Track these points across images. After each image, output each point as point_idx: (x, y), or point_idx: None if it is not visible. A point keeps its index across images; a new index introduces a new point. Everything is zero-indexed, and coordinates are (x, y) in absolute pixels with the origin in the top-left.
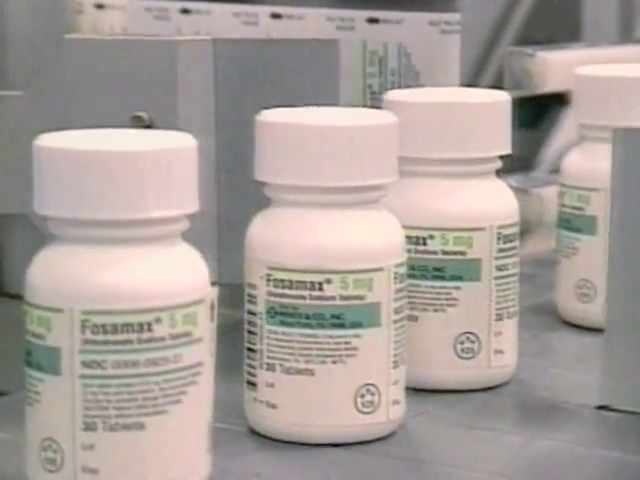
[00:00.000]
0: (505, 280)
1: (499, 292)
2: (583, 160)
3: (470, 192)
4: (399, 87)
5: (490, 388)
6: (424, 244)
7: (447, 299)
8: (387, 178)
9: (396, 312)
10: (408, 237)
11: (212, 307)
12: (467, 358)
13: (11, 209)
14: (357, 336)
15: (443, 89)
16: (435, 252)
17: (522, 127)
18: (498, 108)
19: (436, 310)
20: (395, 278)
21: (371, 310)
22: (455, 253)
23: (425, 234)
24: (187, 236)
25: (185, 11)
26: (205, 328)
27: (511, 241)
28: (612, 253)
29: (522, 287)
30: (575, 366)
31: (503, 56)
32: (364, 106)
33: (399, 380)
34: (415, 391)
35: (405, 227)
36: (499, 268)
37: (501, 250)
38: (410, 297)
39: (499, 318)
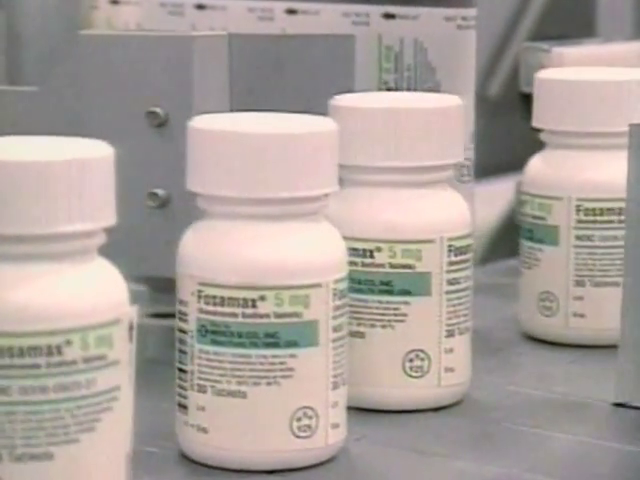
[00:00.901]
0: (456, 295)
1: (450, 307)
2: (545, 167)
3: (420, 202)
4: (415, 83)
5: (441, 408)
6: (371, 257)
7: (395, 315)
8: (325, 189)
9: (335, 330)
10: (354, 249)
11: (131, 328)
12: (416, 377)
13: None
14: (293, 356)
15: (394, 94)
16: (382, 265)
17: None
18: (450, 114)
19: (384, 326)
20: (334, 294)
21: (308, 328)
22: (403, 266)
23: (372, 246)
24: None
25: (200, 7)
26: (122, 350)
27: (463, 253)
28: (628, 245)
29: (489, 298)
30: (533, 384)
31: (518, 52)
32: None
33: (339, 402)
34: (361, 411)
35: (351, 239)
36: (450, 282)
37: (452, 263)
38: (357, 313)
39: (450, 334)
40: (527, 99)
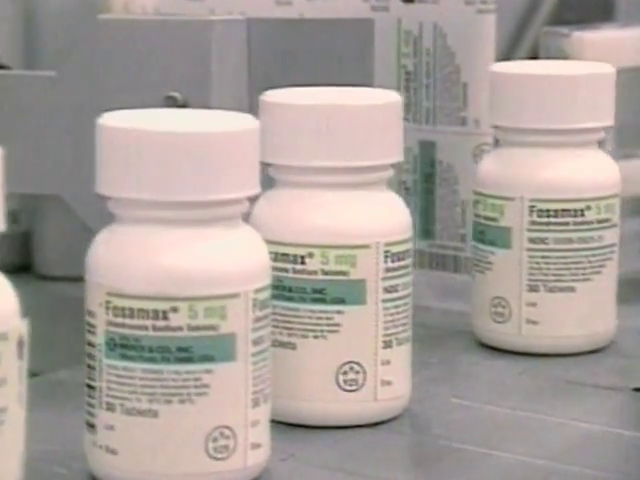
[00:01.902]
0: (394, 303)
1: (387, 316)
2: (497, 166)
3: (355, 205)
4: (434, 67)
5: (377, 424)
6: (302, 263)
7: (328, 325)
8: (244, 191)
9: (255, 344)
10: (285, 255)
11: (20, 344)
12: (351, 390)
13: (43, 190)
14: (208, 372)
15: (327, 89)
16: (315, 272)
17: None
18: (387, 111)
19: (316, 337)
20: (254, 305)
21: (224, 342)
22: (337, 273)
23: (303, 252)
24: None
25: None
26: (9, 368)
27: (401, 259)
28: None
29: None
30: (480, 396)
31: (537, 36)
32: (397, 88)
33: (260, 420)
34: (290, 428)
35: (281, 244)
36: (387, 290)
37: (389, 270)
38: (287, 322)
39: (387, 345)
40: None
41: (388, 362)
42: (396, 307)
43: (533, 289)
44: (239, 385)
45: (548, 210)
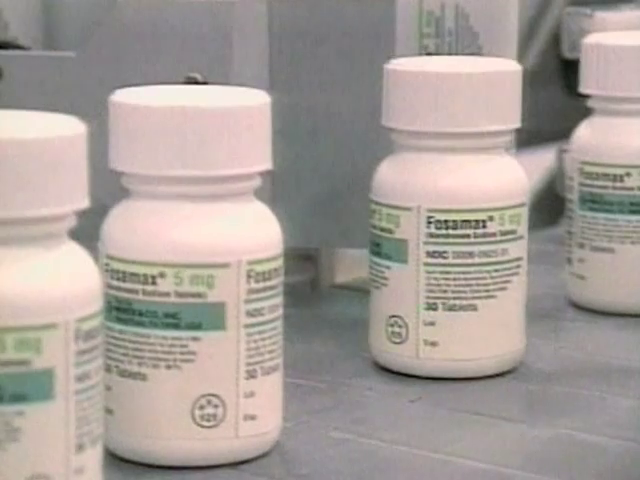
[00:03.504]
0: (258, 328)
1: (251, 343)
2: (393, 173)
3: (214, 218)
4: (456, 48)
5: (241, 463)
6: (154, 284)
7: (182, 353)
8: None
9: (79, 380)
10: (134, 275)
11: None
12: (209, 426)
13: None
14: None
15: (184, 88)
16: (168, 294)
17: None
18: (253, 114)
19: (169, 367)
20: (77, 337)
21: (41, 379)
22: (192, 295)
23: (155, 271)
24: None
25: None
26: None
27: (268, 279)
28: None
29: None
30: (365, 428)
31: (559, 16)
32: None
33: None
34: (142, 468)
35: (130, 262)
36: (250, 314)
37: (253, 291)
38: (137, 350)
39: (251, 376)
40: (569, 65)
41: (252, 394)
42: (261, 333)
43: (431, 307)
44: (58, 429)
45: (447, 221)
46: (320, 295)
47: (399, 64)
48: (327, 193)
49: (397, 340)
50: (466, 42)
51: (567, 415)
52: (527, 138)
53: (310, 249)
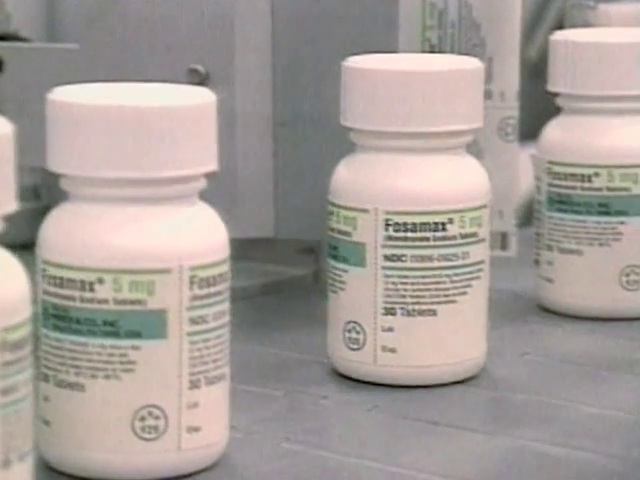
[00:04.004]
0: (202, 336)
1: (194, 352)
2: (351, 174)
3: (154, 221)
4: (459, 40)
5: (184, 476)
6: (92, 290)
7: (122, 362)
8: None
9: (193, 322)
10: (72, 281)
11: None
12: (150, 439)
13: None
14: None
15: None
16: (106, 301)
17: None
18: (199, 112)
19: (108, 377)
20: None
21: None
22: (132, 302)
23: (93, 277)
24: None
25: None
26: None
27: (212, 285)
28: None
29: None
30: (317, 438)
31: (563, 8)
32: None
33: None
34: None
35: (67, 267)
36: (194, 321)
37: (197, 298)
38: (75, 360)
39: (194, 386)
40: None
41: (195, 405)
42: (205, 341)
43: (389, 312)
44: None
45: (405, 224)
46: (323, 288)
47: (357, 62)
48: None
49: (355, 346)
50: (469, 34)
51: (528, 425)
52: (529, 130)
53: (312, 241)
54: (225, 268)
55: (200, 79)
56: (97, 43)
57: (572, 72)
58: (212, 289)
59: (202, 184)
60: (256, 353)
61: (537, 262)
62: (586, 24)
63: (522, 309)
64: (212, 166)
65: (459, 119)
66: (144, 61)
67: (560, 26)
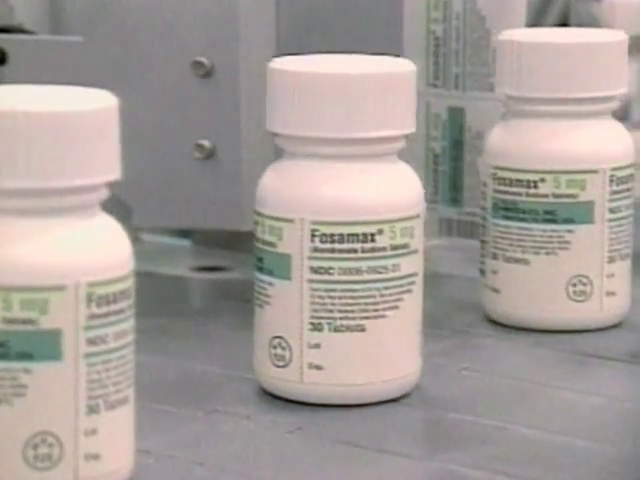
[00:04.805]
0: (102, 358)
1: (92, 375)
2: (276, 182)
3: (48, 236)
4: (464, 32)
5: None
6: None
7: (13, 386)
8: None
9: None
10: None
11: None
12: (43, 468)
13: None
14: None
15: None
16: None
17: None
18: (88, 119)
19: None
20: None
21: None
22: (23, 322)
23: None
24: None
25: None
26: None
27: (112, 303)
28: None
29: None
30: (232, 466)
31: (567, 2)
32: (426, 53)
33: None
34: None
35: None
36: (92, 342)
37: (94, 317)
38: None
39: (92, 411)
40: None
41: (94, 431)
42: (105, 362)
43: (316, 328)
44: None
45: (332, 234)
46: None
47: (281, 63)
48: None
49: (280, 363)
50: (474, 26)
51: (459, 448)
52: None
53: None
54: (127, 284)
55: (204, 72)
56: (101, 36)
57: (517, 73)
58: (112, 307)
59: (103, 194)
60: (178, 368)
61: (482, 271)
62: (591, 17)
63: (468, 320)
64: (114, 175)
65: (390, 124)
66: (148, 54)
67: (565, 19)
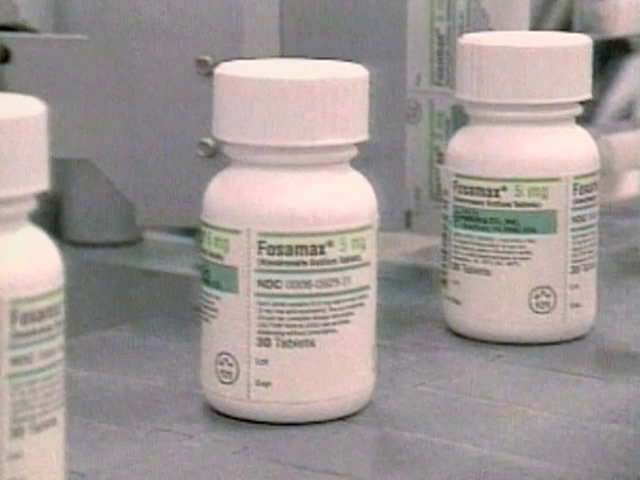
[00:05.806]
0: (27, 378)
1: (16, 397)
2: (222, 192)
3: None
4: (467, 31)
5: None
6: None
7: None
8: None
9: None
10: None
11: None
12: None
13: (74, 154)
14: None
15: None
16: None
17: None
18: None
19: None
20: None
21: None
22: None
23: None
24: None
25: None
26: None
27: (37, 320)
28: None
29: None
30: None
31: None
32: (430, 52)
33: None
34: None
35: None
36: (16, 361)
37: (19, 335)
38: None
39: (16, 434)
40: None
41: (18, 455)
42: (30, 383)
43: (264, 343)
44: None
45: (280, 246)
46: None
47: (228, 68)
48: None
49: (227, 380)
50: (477, 25)
51: (409, 469)
52: None
53: None
54: (56, 300)
55: (208, 70)
56: (105, 34)
57: (478, 78)
58: (38, 325)
59: (31, 205)
60: (120, 384)
61: (444, 282)
62: (594, 15)
63: (429, 332)
64: (41, 185)
65: (338, 132)
66: (152, 52)
67: (568, 17)
